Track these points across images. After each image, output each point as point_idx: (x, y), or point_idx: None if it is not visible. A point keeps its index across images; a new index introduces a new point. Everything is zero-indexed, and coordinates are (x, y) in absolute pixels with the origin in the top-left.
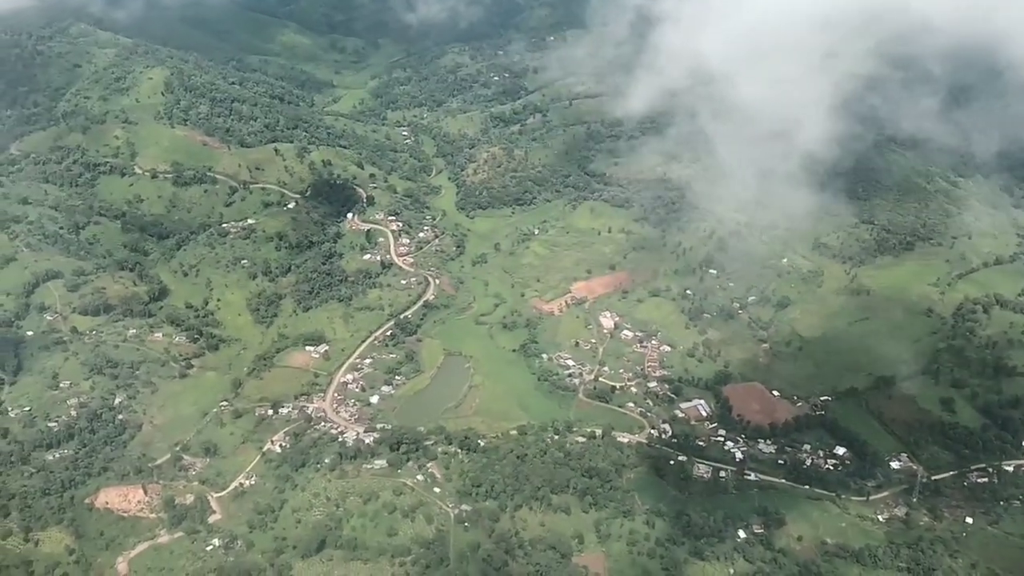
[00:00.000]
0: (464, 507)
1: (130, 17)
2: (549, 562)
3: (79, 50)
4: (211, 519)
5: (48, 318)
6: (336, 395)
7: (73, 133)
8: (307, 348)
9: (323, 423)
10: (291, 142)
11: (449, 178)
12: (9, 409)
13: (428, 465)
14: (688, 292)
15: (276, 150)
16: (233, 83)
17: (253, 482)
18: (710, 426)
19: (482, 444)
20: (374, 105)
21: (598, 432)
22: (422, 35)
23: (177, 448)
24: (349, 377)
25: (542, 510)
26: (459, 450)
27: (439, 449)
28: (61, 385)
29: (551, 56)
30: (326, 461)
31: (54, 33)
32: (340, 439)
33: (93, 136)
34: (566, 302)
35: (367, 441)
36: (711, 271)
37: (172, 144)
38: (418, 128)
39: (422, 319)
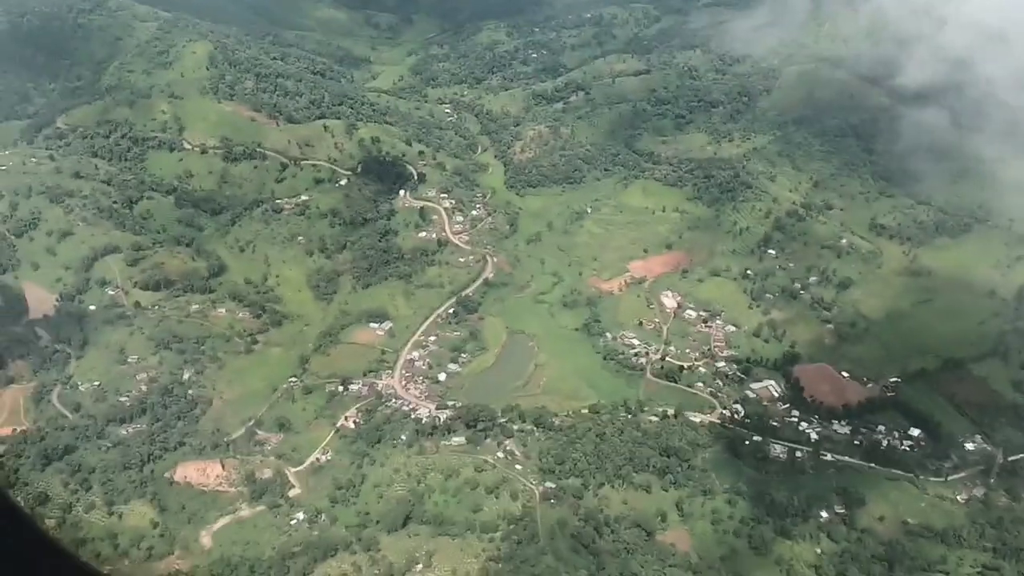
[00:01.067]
0: (548, 484)
1: None
2: (635, 539)
3: (120, 23)
4: (290, 493)
5: (110, 292)
6: (404, 372)
7: (119, 107)
8: (371, 325)
9: (394, 400)
10: (338, 118)
11: (495, 156)
12: (79, 383)
13: (506, 442)
14: (748, 272)
15: (325, 127)
16: (275, 58)
17: (329, 457)
18: (782, 407)
19: (555, 422)
20: (414, 82)
21: (670, 411)
22: (455, 11)
23: (250, 423)
24: (415, 354)
25: (624, 488)
26: (534, 428)
27: (515, 427)
28: (129, 360)
29: (588, 33)
30: (402, 437)
31: (94, 6)
32: (413, 416)
33: (140, 110)
34: (625, 281)
35: (441, 418)
36: (770, 251)
37: (220, 119)
38: (460, 105)
39: (482, 297)
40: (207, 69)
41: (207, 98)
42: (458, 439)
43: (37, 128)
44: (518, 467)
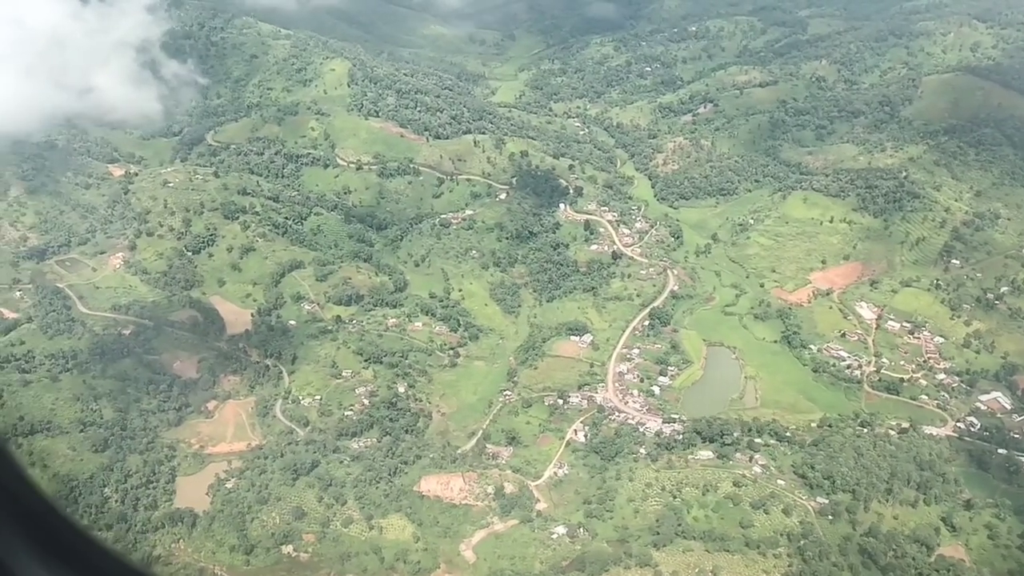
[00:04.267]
0: (820, 500)
1: (280, 9)
2: (916, 554)
3: (253, 41)
4: (537, 507)
5: (306, 307)
6: (616, 385)
7: (268, 124)
8: (572, 338)
9: (616, 413)
10: (482, 133)
11: (636, 168)
12: (301, 398)
13: (756, 456)
14: (939, 283)
15: (475, 142)
16: (406, 75)
17: (567, 471)
18: (1018, 418)
19: (795, 436)
20: (536, 96)
21: (904, 425)
22: (555, 27)
23: (477, 436)
24: (623, 367)
25: (891, 503)
26: (776, 441)
27: (759, 441)
28: (344, 374)
29: (697, 46)
30: (641, 451)
31: (223, 24)
32: (641, 429)
33: (289, 127)
34: (811, 292)
35: (668, 431)
36: (954, 261)
37: (370, 136)
38: (587, 119)
39: (671, 310)
40: (348, 86)
41: (353, 115)
42: (705, 453)
43: (189, 145)
44: (780, 482)
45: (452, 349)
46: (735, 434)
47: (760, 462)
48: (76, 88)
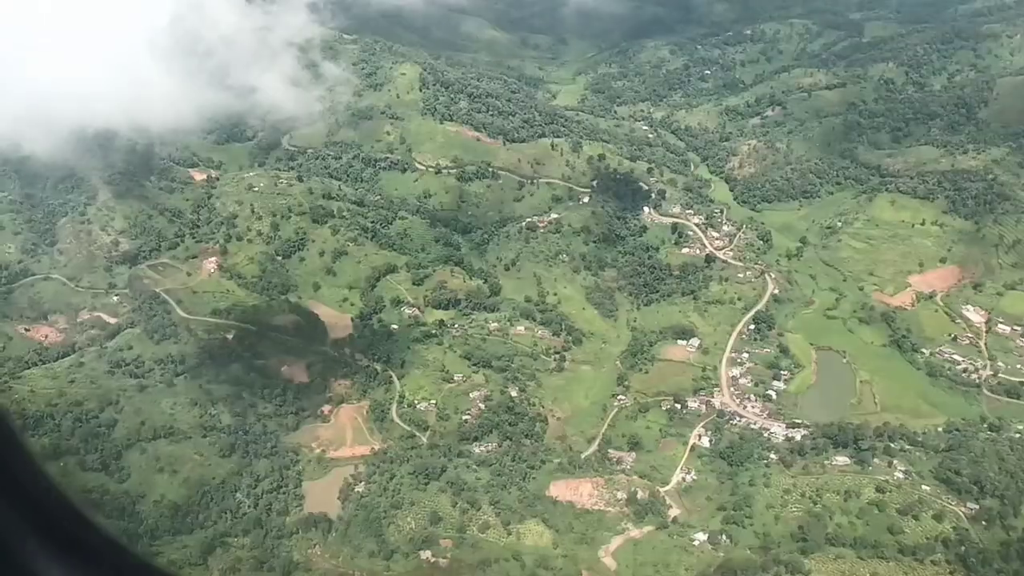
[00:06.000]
0: (971, 505)
1: (333, 12)
2: None
3: None
4: (671, 513)
5: (407, 311)
6: (731, 389)
7: (343, 128)
8: (679, 342)
9: (736, 417)
10: (557, 136)
11: (710, 171)
12: (415, 402)
13: (893, 461)
14: None
15: (552, 145)
16: (474, 79)
17: (694, 477)
18: None
19: (921, 440)
20: (599, 100)
21: None
22: (606, 32)
23: (597, 441)
24: (735, 372)
25: None
26: (910, 446)
27: (894, 446)
28: (456, 378)
29: (754, 49)
30: (772, 457)
31: None
32: (766, 435)
33: (364, 132)
34: (913, 296)
35: (799, 436)
36: None
37: (446, 140)
38: (653, 122)
39: (773, 313)
40: (419, 90)
41: (427, 119)
42: (841, 459)
43: (266, 150)
44: (924, 488)
45: (557, 353)
46: (869, 439)
47: (900, 467)
48: (238, 87)
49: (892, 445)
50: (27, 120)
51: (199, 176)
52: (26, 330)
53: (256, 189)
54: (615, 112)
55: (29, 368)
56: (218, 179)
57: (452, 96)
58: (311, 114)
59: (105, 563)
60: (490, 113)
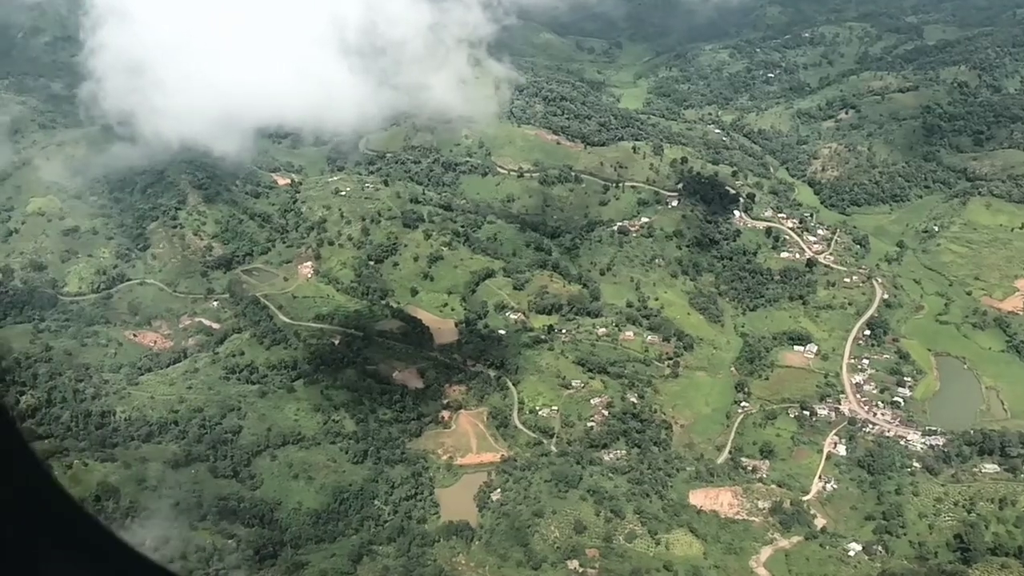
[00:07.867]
0: None
1: None
2: None
3: None
4: (817, 523)
5: (512, 317)
6: (857, 396)
7: (420, 132)
8: (795, 348)
9: (868, 425)
10: (636, 139)
11: (791, 174)
12: (536, 408)
13: None
14: None
15: (634, 148)
16: (546, 82)
17: (835, 486)
18: None
19: None
20: (665, 103)
21: None
22: (659, 35)
23: (727, 449)
24: (858, 378)
25: None
26: None
27: None
28: (574, 384)
29: (815, 52)
30: (916, 465)
31: None
32: (903, 443)
33: (441, 135)
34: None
35: (938, 444)
36: None
37: (526, 143)
38: (724, 125)
39: (885, 318)
40: (495, 94)
41: (505, 123)
42: (990, 466)
43: (344, 154)
44: None
45: (670, 359)
46: (1016, 446)
47: None
48: (410, 86)
49: None
50: (217, 122)
51: (282, 180)
52: (133, 335)
53: (343, 194)
54: (683, 115)
55: (143, 374)
56: (301, 183)
57: (527, 100)
58: (385, 118)
59: (109, 561)
60: (566, 116)
